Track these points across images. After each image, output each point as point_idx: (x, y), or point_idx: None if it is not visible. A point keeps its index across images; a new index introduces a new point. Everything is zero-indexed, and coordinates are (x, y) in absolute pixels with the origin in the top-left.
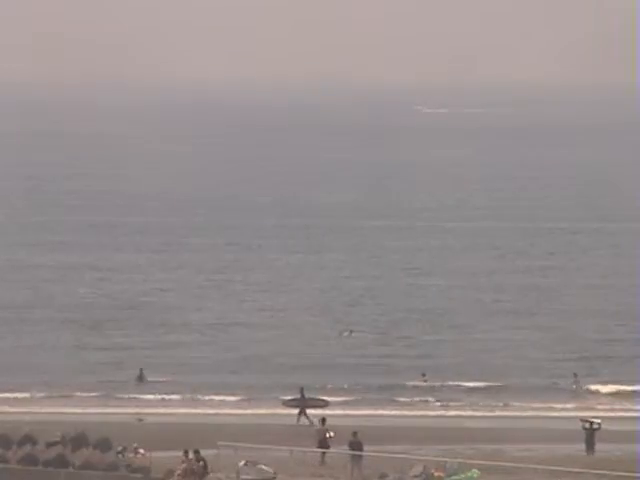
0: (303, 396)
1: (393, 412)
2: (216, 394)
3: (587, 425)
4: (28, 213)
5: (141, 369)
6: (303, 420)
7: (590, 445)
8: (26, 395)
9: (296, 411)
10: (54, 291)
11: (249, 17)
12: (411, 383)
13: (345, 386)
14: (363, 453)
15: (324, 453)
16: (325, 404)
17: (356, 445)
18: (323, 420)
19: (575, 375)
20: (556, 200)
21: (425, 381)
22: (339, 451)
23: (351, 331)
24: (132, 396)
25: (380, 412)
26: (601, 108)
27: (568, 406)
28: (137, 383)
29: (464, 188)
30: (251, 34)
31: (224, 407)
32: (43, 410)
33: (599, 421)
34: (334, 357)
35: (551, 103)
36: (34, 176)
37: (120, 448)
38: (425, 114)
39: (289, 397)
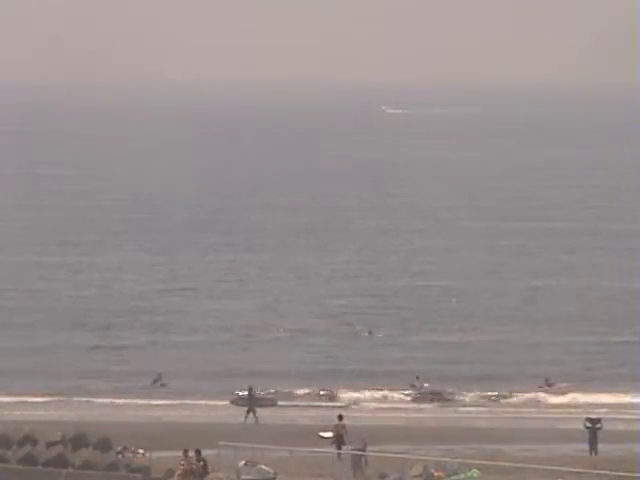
0: (251, 395)
1: (393, 413)
2: (218, 398)
3: (589, 424)
4: (28, 213)
5: (159, 373)
6: (250, 419)
7: (593, 445)
8: (29, 399)
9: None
10: (59, 292)
11: (245, 19)
12: (409, 384)
13: (343, 387)
14: (364, 453)
15: (340, 450)
16: (273, 403)
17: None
18: (340, 417)
19: (546, 380)
20: (557, 201)
21: (421, 384)
22: (332, 451)
23: (370, 332)
24: (133, 397)
25: (380, 413)
26: (602, 108)
27: (568, 407)
28: (152, 386)
29: (465, 189)
30: (248, 37)
31: (225, 408)
32: (49, 412)
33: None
34: (337, 358)
35: (551, 103)
36: (34, 176)
37: (120, 448)
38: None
39: (238, 395)
